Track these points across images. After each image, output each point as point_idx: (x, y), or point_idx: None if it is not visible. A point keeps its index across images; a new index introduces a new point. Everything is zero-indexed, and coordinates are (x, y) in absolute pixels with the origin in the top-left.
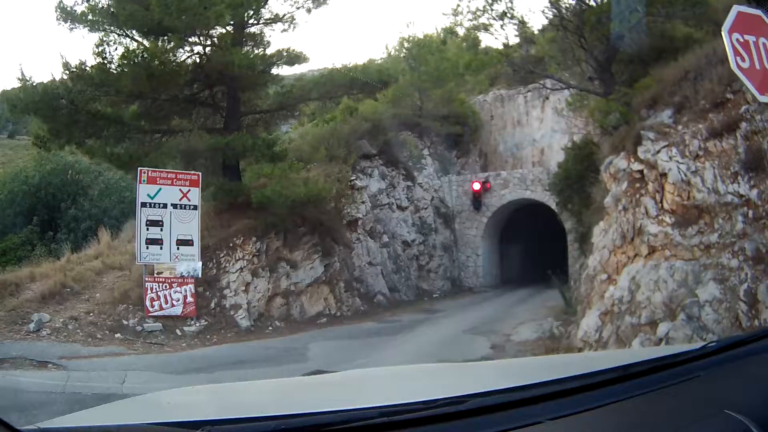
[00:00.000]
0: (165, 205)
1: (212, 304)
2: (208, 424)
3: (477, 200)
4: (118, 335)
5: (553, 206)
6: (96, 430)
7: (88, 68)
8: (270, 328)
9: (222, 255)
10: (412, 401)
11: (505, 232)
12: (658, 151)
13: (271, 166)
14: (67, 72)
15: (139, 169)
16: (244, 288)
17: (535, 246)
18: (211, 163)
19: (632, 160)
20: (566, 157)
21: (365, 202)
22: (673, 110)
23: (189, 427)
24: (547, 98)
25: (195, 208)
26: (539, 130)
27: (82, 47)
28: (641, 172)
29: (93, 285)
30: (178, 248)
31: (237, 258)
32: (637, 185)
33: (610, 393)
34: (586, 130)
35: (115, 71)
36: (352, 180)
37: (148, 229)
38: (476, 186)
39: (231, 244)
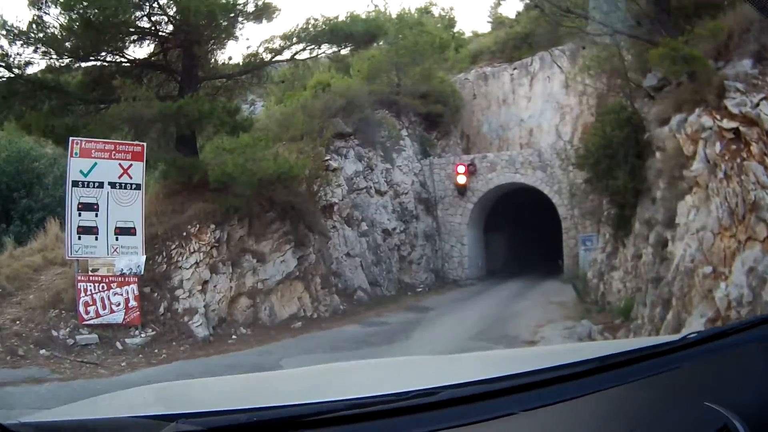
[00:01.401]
0: (101, 184)
1: (161, 309)
2: (182, 417)
3: (461, 184)
4: (43, 351)
5: (546, 191)
6: (73, 424)
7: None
8: (233, 336)
9: (173, 247)
10: (384, 393)
11: (489, 220)
12: (758, 104)
13: (233, 140)
14: (3, 31)
15: (70, 139)
16: (200, 287)
17: (523, 234)
18: (163, 137)
19: (719, 116)
20: (600, 124)
21: (341, 185)
22: (752, 60)
23: (163, 420)
24: (538, 75)
25: (138, 187)
26: (527, 110)
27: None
28: (736, 130)
29: (28, 285)
30: (117, 239)
31: (192, 250)
32: (734, 147)
33: (587, 384)
34: (615, 91)
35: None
36: (327, 160)
37: (80, 215)
38: (461, 169)
39: (184, 233)
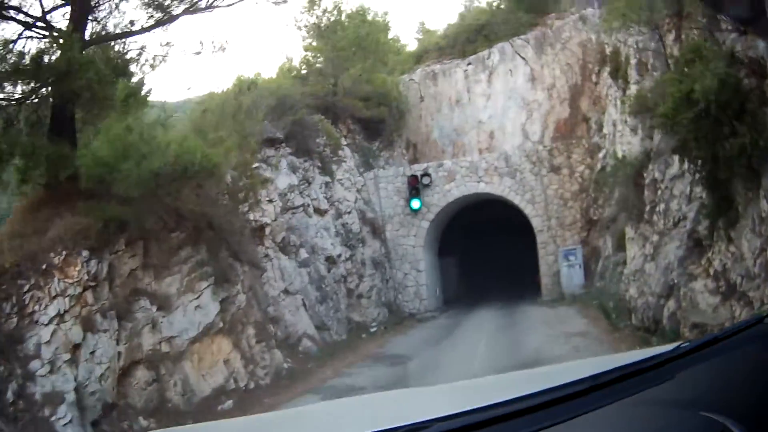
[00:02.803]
0: None
1: (8, 395)
2: None
3: (414, 198)
4: None
5: (517, 200)
6: None
7: None
8: None
9: (26, 288)
10: (375, 430)
11: (443, 240)
12: None
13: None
14: None
15: None
16: (69, 356)
17: (480, 255)
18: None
19: None
20: (680, 74)
21: (273, 201)
22: None
23: None
24: (495, 70)
25: None
26: (486, 109)
27: None
28: None
29: None
30: None
31: (54, 293)
32: None
33: (579, 405)
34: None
35: None
36: (255, 168)
37: None
38: (413, 180)
39: (44, 266)
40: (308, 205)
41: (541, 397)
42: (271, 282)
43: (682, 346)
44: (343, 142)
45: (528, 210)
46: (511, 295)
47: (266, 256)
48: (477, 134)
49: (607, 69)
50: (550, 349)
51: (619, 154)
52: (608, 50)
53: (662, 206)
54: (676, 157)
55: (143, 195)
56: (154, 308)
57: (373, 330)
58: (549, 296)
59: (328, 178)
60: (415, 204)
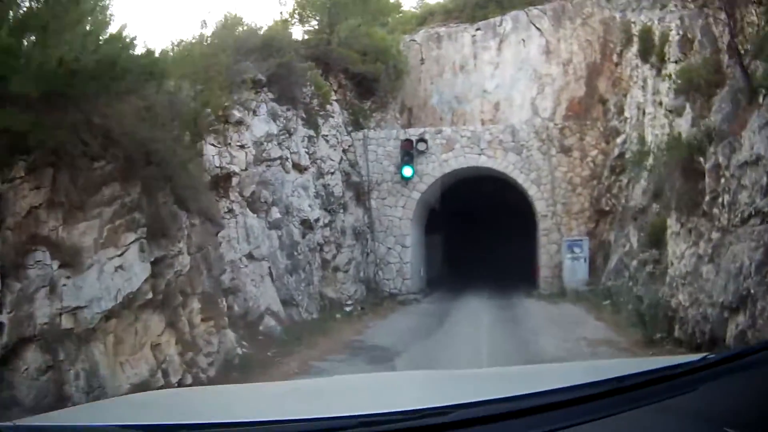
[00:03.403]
0: None
1: None
2: (181, 429)
3: (407, 165)
4: None
5: (521, 179)
6: (66, 430)
7: None
8: None
9: None
10: (394, 410)
11: (432, 216)
12: None
13: None
14: None
15: None
16: None
17: (476, 237)
18: None
19: None
20: None
21: (246, 147)
22: None
23: (159, 431)
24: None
25: None
26: (493, 78)
27: None
28: None
29: None
30: None
31: None
32: None
33: (601, 407)
34: None
35: None
36: (227, 107)
37: None
38: (407, 145)
39: None
40: (287, 159)
41: (562, 394)
42: (232, 243)
43: (708, 357)
44: (333, 96)
45: (532, 191)
46: (503, 285)
47: (230, 211)
48: (481, 104)
49: (633, 49)
50: (574, 360)
51: (648, 139)
52: (635, 29)
53: (726, 197)
54: (747, 140)
55: (55, 101)
56: (56, 264)
57: (348, 309)
58: (548, 290)
59: (311, 132)
60: (407, 171)
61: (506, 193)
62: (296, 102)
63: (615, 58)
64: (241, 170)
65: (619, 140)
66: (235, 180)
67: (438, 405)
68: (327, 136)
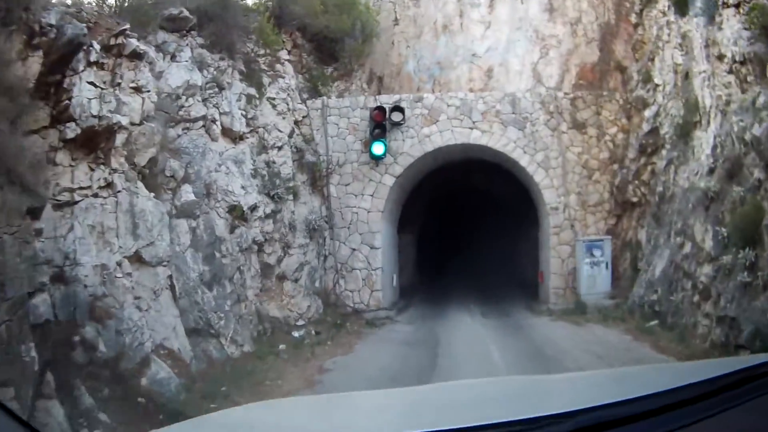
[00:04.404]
0: None
1: None
2: None
3: (378, 141)
4: None
5: (524, 161)
6: None
7: None
8: None
9: None
10: (516, 419)
11: (406, 210)
12: None
13: None
14: None
15: None
16: None
17: (459, 236)
18: None
19: None
20: None
21: (145, 90)
22: None
23: None
24: None
25: None
26: (484, 40)
27: None
28: None
29: None
30: None
31: None
32: None
33: (696, 410)
34: None
35: None
36: (123, 30)
37: None
38: (379, 115)
39: None
40: (213, 121)
41: (677, 394)
42: (107, 236)
43: None
44: (286, 56)
45: (539, 177)
46: (496, 297)
47: (108, 185)
48: (469, 70)
49: (660, 5)
50: None
51: (706, 103)
52: None
53: None
54: None
55: None
56: None
57: (298, 335)
58: (559, 304)
59: (252, 91)
60: (378, 149)
61: (499, 181)
62: (233, 51)
63: (633, 18)
64: (133, 124)
65: (647, 113)
66: (121, 138)
67: (555, 412)
68: (274, 100)
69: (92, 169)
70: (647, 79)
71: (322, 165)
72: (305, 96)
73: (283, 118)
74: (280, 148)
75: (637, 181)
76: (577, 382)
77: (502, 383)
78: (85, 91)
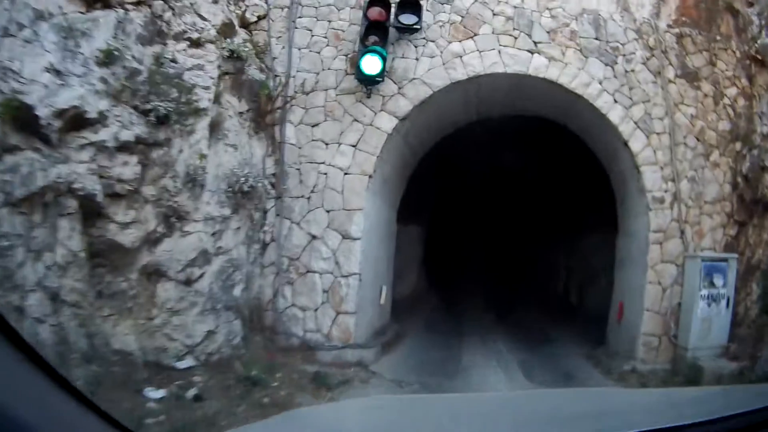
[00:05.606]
0: None
1: None
2: None
3: (370, 52)
4: None
5: (615, 116)
6: None
7: None
8: None
9: None
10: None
11: (412, 185)
12: None
13: None
14: None
15: None
16: None
17: (488, 227)
18: None
19: None
20: None
21: None
22: None
23: None
24: None
25: None
26: None
27: None
28: None
29: None
30: None
31: None
32: None
33: None
34: None
35: None
36: None
37: None
38: (380, 13)
39: None
40: None
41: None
42: None
43: None
44: None
45: (637, 144)
46: (537, 331)
47: None
48: None
49: None
50: None
51: None
52: None
53: None
54: None
55: None
56: None
57: (154, 398)
58: (650, 360)
59: None
60: (371, 64)
61: (556, 156)
62: None
63: None
64: None
65: None
66: None
67: (679, 424)
68: None
69: None
70: None
71: (275, 89)
72: None
73: (215, 2)
74: (195, 43)
75: None
76: (661, 399)
77: (600, 393)
78: None
